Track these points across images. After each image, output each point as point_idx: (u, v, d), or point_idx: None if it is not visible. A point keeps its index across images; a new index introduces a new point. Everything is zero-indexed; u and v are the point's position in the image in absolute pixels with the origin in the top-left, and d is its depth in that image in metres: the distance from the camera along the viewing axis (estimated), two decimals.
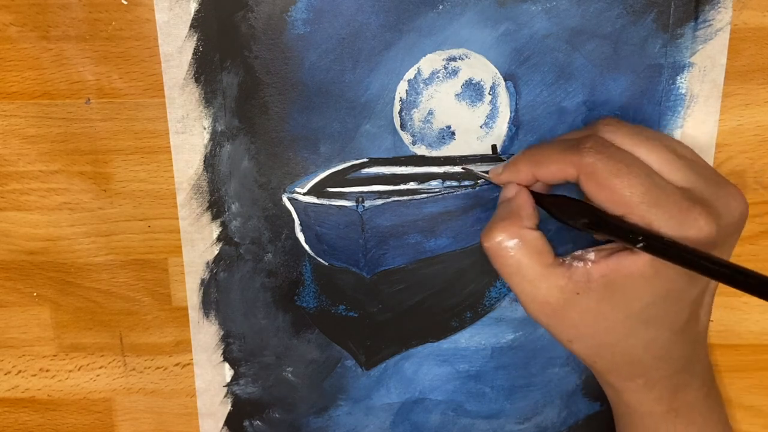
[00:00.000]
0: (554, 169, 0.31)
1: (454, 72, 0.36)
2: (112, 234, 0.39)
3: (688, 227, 0.28)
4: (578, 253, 0.31)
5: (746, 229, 0.38)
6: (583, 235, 0.34)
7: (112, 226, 0.39)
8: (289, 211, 0.38)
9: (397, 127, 0.37)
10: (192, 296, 0.39)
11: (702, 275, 0.28)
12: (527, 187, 0.33)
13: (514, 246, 0.31)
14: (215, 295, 0.39)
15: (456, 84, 0.36)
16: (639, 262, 0.29)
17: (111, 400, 0.42)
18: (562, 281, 0.30)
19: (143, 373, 0.41)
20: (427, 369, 0.41)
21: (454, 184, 0.37)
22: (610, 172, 0.29)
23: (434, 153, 0.37)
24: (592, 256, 0.30)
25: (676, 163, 0.30)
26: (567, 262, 0.31)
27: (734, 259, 0.39)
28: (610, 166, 0.29)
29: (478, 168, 0.37)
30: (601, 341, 0.31)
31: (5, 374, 0.42)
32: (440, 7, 0.35)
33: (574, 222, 0.31)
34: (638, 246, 0.28)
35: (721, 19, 0.35)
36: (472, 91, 0.36)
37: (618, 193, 0.29)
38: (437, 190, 0.37)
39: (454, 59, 0.36)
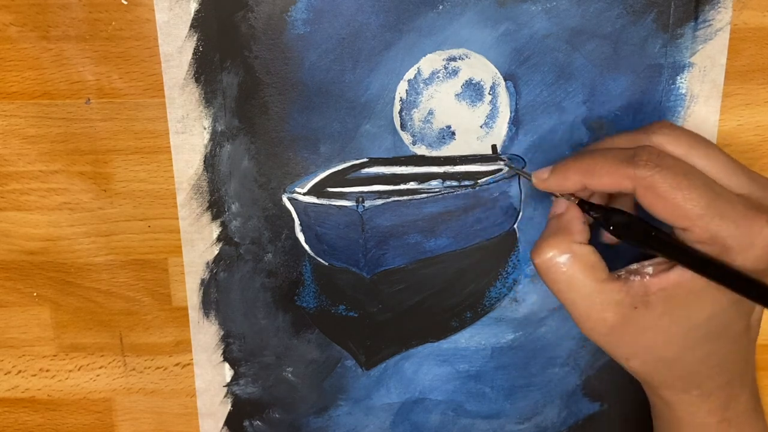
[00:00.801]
0: (607, 181, 0.29)
1: (454, 72, 0.36)
2: (112, 234, 0.39)
3: (755, 236, 0.27)
4: (634, 266, 0.30)
5: None
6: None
7: (112, 226, 0.39)
8: (289, 211, 0.38)
9: (397, 127, 0.37)
10: (192, 296, 0.39)
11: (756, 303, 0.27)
12: (573, 195, 0.32)
13: (566, 261, 0.30)
14: (215, 295, 0.39)
15: (456, 84, 0.36)
16: (701, 278, 0.28)
17: (111, 400, 0.42)
18: (618, 296, 0.29)
19: (143, 373, 0.41)
20: (427, 369, 0.41)
21: (454, 184, 0.37)
22: (669, 186, 0.28)
23: (434, 153, 0.37)
24: (649, 269, 0.29)
25: (733, 169, 0.29)
26: (623, 276, 0.30)
27: None
28: (669, 179, 0.28)
29: (483, 167, 0.37)
30: (660, 356, 0.30)
31: (5, 374, 0.42)
32: (440, 7, 0.35)
33: (626, 238, 0.30)
34: (695, 270, 0.28)
35: (721, 19, 0.35)
36: (472, 91, 0.36)
37: (680, 207, 0.28)
38: (437, 190, 0.37)
39: (454, 59, 0.36)
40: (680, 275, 0.29)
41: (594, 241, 0.31)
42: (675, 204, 0.28)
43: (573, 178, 0.31)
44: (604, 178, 0.30)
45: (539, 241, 0.31)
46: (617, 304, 0.29)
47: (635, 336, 0.30)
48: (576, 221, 0.31)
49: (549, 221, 0.32)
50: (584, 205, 0.31)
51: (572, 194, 0.32)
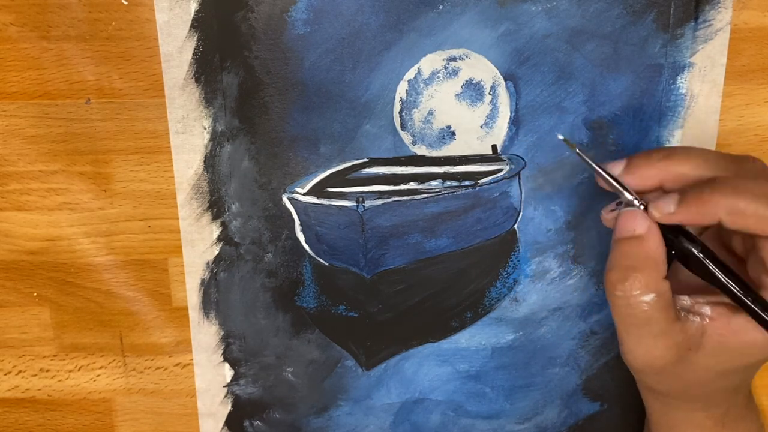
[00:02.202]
0: (753, 224, 0.26)
1: (455, 72, 0.36)
2: (112, 234, 0.39)
3: None
4: (687, 302, 0.29)
5: None
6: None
7: (112, 226, 0.39)
8: (289, 211, 0.38)
9: (398, 127, 0.37)
10: (192, 296, 0.39)
11: None
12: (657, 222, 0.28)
13: (650, 300, 0.28)
14: (215, 295, 0.39)
15: (456, 84, 0.36)
16: (760, 334, 0.28)
17: (111, 401, 0.42)
18: (679, 338, 0.28)
19: (143, 373, 0.41)
20: (427, 369, 0.41)
21: (455, 184, 0.37)
22: None
23: (434, 153, 0.37)
24: (707, 311, 0.28)
25: None
26: (683, 316, 0.28)
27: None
28: None
29: (484, 167, 0.37)
30: (689, 384, 0.30)
31: (5, 374, 0.42)
32: (440, 7, 0.35)
33: (708, 280, 0.28)
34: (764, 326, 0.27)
35: (721, 19, 0.35)
36: (473, 91, 0.36)
37: None
38: (437, 190, 0.37)
39: (454, 59, 0.36)
40: (742, 326, 0.28)
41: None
42: None
43: (713, 214, 0.27)
44: (749, 219, 0.26)
45: (622, 272, 0.28)
46: (676, 347, 0.28)
47: (681, 373, 0.29)
48: (662, 251, 0.28)
49: (622, 242, 0.28)
50: (670, 231, 0.28)
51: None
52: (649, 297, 0.27)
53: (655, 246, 0.28)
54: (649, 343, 0.28)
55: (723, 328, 0.28)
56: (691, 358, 0.29)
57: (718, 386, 0.31)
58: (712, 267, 0.27)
